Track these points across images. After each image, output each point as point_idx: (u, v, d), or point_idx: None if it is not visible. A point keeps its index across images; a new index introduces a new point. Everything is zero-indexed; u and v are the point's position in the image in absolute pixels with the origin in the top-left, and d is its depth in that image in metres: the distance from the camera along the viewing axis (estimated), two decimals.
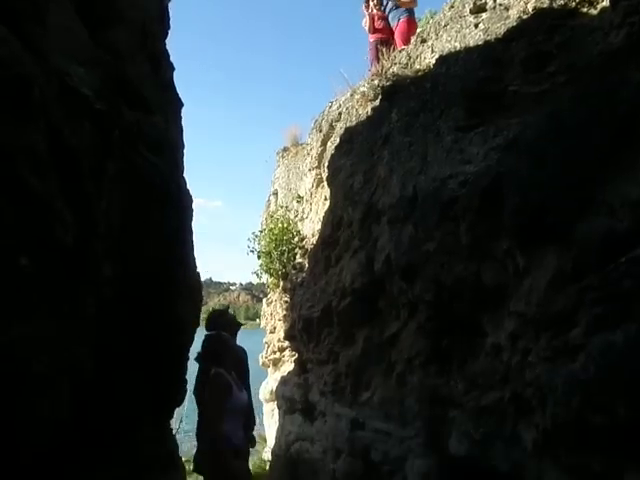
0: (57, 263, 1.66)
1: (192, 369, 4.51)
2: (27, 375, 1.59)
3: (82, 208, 1.89)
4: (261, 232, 10.23)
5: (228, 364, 4.56)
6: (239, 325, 5.50)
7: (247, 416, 4.80)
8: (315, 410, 8.19)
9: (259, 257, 9.87)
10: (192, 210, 3.60)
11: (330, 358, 7.52)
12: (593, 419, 2.97)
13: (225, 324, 5.02)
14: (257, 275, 10.57)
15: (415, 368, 5.50)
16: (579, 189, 3.34)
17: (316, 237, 8.51)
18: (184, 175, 3.60)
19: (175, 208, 2.94)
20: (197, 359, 4.70)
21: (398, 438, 5.69)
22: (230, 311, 5.18)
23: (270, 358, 10.63)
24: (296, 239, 9.39)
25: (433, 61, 6.12)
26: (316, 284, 8.00)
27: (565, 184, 3.43)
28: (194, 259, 3.18)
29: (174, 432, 4.23)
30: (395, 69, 7.14)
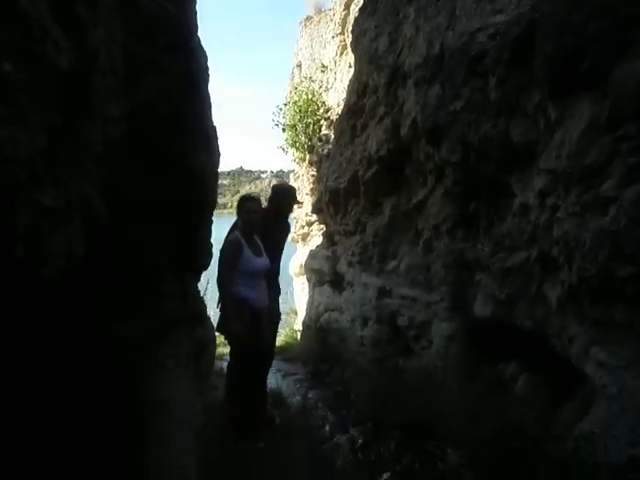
0: (51, 83, 1.60)
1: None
2: (35, 205, 1.59)
3: (76, 34, 1.79)
4: (285, 105, 9.98)
5: (245, 228, 4.60)
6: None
7: (270, 282, 4.90)
8: (343, 281, 8.40)
9: (284, 130, 9.70)
10: (207, 67, 3.45)
11: (357, 229, 7.58)
12: (620, 271, 2.93)
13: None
14: (283, 150, 10.45)
15: (442, 234, 5.49)
16: (618, 30, 3.07)
17: (341, 107, 8.26)
18: (198, 27, 3.39)
19: (186, 54, 2.81)
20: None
21: (424, 303, 5.81)
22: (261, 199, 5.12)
23: (299, 233, 10.77)
24: (321, 110, 9.15)
25: None
26: (342, 155, 7.89)
27: (603, 25, 3.15)
28: (210, 109, 3.04)
29: (202, 294, 4.38)
30: None
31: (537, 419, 4.06)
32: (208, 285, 5.33)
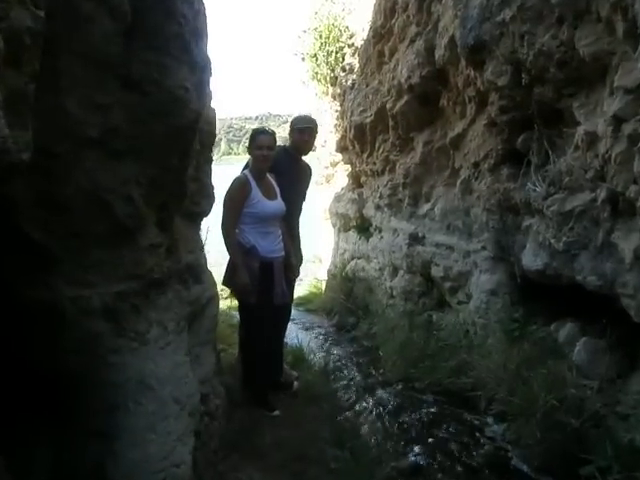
0: None
1: None
2: None
3: None
4: (305, 32, 9.15)
5: (256, 166, 4.01)
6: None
7: (289, 230, 4.33)
8: (370, 226, 7.86)
9: (303, 60, 8.93)
10: None
11: (386, 168, 6.97)
12: None
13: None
14: (304, 83, 9.70)
15: (483, 172, 4.83)
16: None
17: (366, 31, 7.48)
18: None
19: None
20: None
21: (462, 252, 5.21)
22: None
23: (322, 174, 10.13)
24: (344, 36, 8.36)
25: None
26: (368, 85, 7.19)
27: None
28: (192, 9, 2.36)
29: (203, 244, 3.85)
30: None
31: (599, 391, 3.49)
32: (207, 234, 4.75)
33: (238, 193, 3.98)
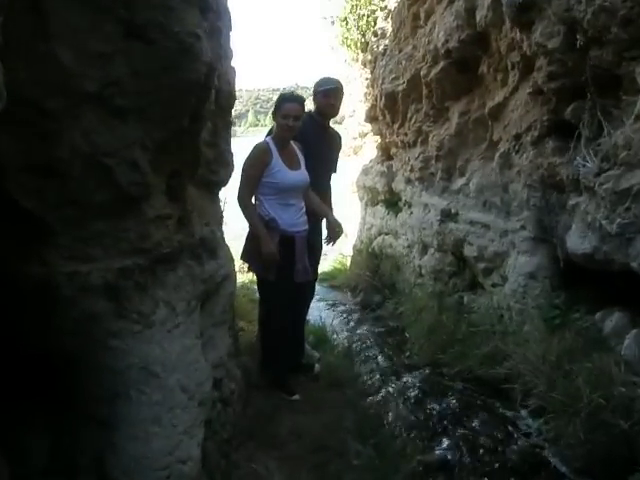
0: None
1: None
2: None
3: None
4: None
5: (280, 135, 3.72)
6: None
7: (308, 202, 4.05)
8: (400, 200, 7.54)
9: (333, 24, 8.54)
10: None
11: (418, 140, 6.60)
12: None
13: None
14: (332, 50, 9.32)
15: (525, 146, 4.49)
16: None
17: None
18: None
19: None
20: None
21: (499, 231, 4.89)
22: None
23: (349, 146, 9.77)
24: None
25: None
26: (401, 51, 6.80)
27: None
28: None
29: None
30: None
31: None
32: (225, 205, 4.47)
33: (258, 161, 3.72)
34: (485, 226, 5.07)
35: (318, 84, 4.32)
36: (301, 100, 3.84)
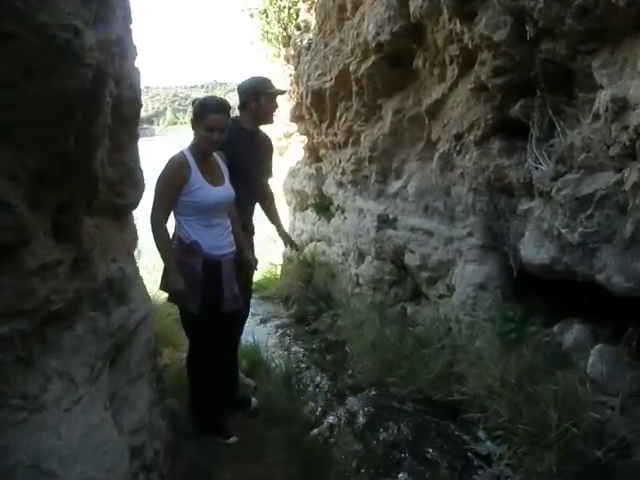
0: None
1: None
2: None
3: None
4: None
5: (201, 147, 3.27)
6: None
7: (239, 218, 3.64)
8: (331, 205, 7.23)
9: (252, 17, 8.09)
10: None
11: (349, 140, 6.31)
12: None
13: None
14: (252, 45, 8.87)
15: (468, 145, 4.24)
16: None
17: None
18: None
19: None
20: None
21: (443, 238, 4.63)
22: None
23: (275, 147, 9.37)
24: None
25: None
26: (327, 45, 6.47)
27: None
28: None
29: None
30: None
31: (622, 412, 2.97)
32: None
33: (173, 177, 3.20)
34: (427, 233, 4.80)
35: (261, 85, 3.86)
36: (228, 109, 3.32)
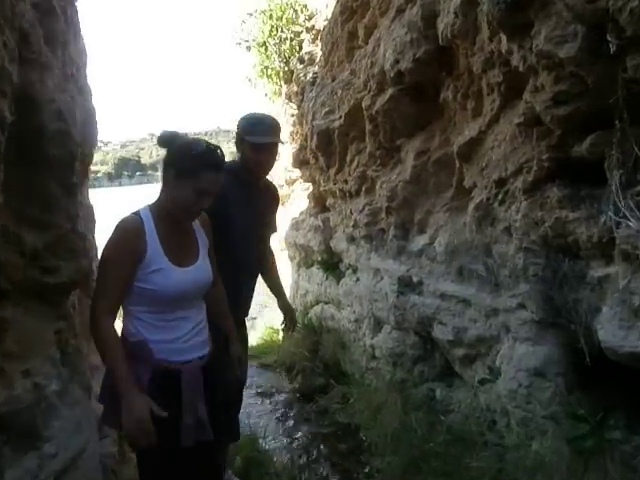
0: None
1: None
2: None
3: None
4: (251, 15, 7.82)
5: (171, 211, 2.45)
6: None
7: (224, 303, 2.86)
8: (341, 263, 6.66)
9: (249, 49, 7.60)
10: None
11: (362, 188, 5.73)
12: None
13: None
14: (250, 82, 8.36)
15: (514, 193, 3.55)
16: None
17: (331, 7, 6.24)
18: None
19: None
20: None
21: (484, 309, 3.89)
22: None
23: None
24: (301, 18, 7.09)
25: None
26: (335, 78, 6.03)
27: None
28: None
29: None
30: None
31: None
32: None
33: (122, 251, 2.35)
34: (463, 301, 4.08)
35: (244, 129, 3.19)
36: (221, 160, 2.51)
